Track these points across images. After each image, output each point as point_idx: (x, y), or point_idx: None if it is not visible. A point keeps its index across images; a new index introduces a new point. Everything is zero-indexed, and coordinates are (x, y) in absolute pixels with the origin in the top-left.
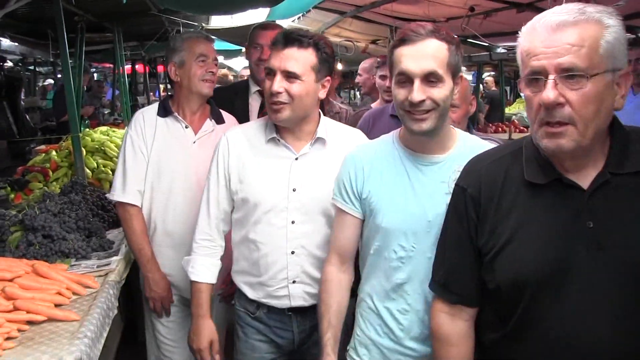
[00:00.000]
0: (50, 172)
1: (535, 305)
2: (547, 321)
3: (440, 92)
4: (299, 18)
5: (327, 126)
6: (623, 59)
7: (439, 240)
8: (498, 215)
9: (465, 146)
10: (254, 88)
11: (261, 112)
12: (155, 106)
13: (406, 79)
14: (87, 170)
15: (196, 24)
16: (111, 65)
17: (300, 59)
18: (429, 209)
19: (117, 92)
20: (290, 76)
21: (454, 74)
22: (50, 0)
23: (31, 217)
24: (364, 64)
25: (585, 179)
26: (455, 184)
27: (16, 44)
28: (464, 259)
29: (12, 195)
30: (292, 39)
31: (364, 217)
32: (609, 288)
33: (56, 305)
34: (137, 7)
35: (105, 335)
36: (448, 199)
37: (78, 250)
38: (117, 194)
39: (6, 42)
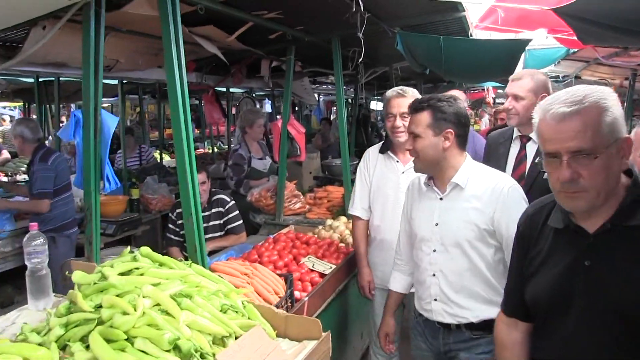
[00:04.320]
0: None
1: (545, 326)
2: (552, 340)
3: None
4: (554, 65)
5: (471, 173)
6: (622, 128)
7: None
8: (534, 250)
9: None
10: (516, 133)
11: (519, 156)
12: (379, 145)
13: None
14: None
15: None
16: None
17: (418, 122)
18: None
19: None
20: (414, 136)
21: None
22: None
23: None
24: None
25: (594, 226)
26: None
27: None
28: (516, 280)
29: None
30: (412, 107)
31: None
32: (601, 320)
33: None
34: None
35: None
36: None
37: None
38: (349, 208)
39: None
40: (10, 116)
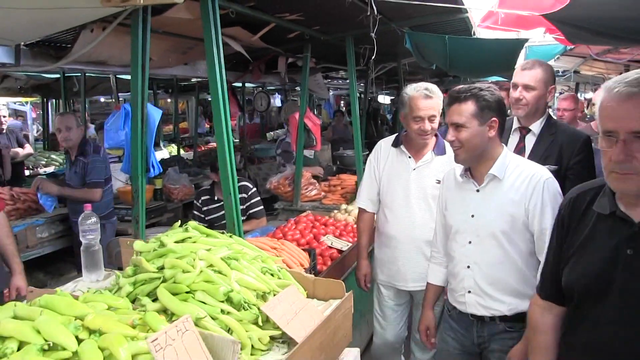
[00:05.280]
0: None
1: (579, 311)
2: (586, 326)
3: None
4: (554, 60)
5: (509, 165)
6: None
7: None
8: (575, 235)
9: None
10: (515, 125)
11: (517, 147)
12: (393, 137)
13: None
14: None
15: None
16: None
17: (462, 112)
18: None
19: None
20: (457, 126)
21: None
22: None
23: None
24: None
25: None
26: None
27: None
28: (553, 264)
29: None
30: (453, 97)
31: None
32: (637, 310)
33: None
34: None
35: None
36: None
37: None
38: (356, 200)
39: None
40: (17, 111)
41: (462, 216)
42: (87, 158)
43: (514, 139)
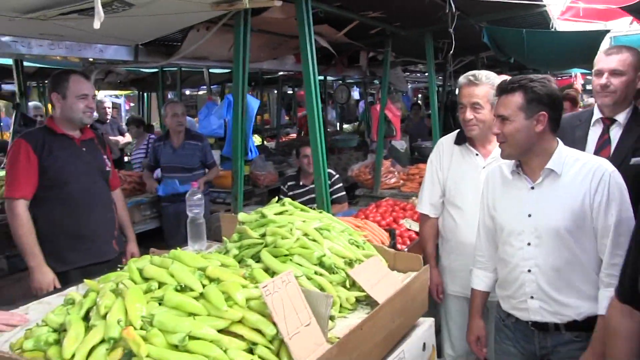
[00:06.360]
0: None
1: None
2: None
3: None
4: None
5: (566, 158)
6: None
7: None
8: None
9: None
10: (596, 116)
11: (601, 140)
12: (454, 134)
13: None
14: None
15: None
16: None
17: (508, 104)
18: None
19: None
20: (502, 119)
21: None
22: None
23: None
24: None
25: None
26: None
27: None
28: (635, 266)
29: None
30: (501, 88)
31: None
32: None
33: None
34: None
35: None
36: None
37: None
38: (417, 205)
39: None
40: (113, 103)
41: (517, 216)
42: (203, 142)
43: (595, 131)
